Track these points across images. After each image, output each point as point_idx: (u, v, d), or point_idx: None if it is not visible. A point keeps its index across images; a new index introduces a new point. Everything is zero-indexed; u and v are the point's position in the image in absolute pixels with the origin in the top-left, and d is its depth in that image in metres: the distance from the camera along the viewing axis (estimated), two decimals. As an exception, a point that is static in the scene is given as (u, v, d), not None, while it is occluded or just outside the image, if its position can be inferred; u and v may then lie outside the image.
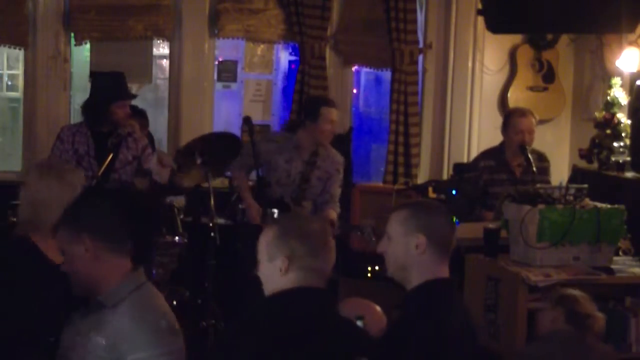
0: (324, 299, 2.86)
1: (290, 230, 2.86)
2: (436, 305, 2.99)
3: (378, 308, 3.53)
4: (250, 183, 5.62)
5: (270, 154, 5.43)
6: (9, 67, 9.80)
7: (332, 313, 2.86)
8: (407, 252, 3.04)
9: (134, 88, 6.52)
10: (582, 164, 7.02)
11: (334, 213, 5.39)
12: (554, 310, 3.89)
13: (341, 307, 3.67)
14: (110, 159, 5.22)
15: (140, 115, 6.38)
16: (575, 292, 3.89)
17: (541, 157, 5.66)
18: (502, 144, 5.72)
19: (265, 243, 2.86)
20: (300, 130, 5.56)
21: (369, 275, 6.12)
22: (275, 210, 5.24)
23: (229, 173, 5.79)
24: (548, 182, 5.52)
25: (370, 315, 3.41)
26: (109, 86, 5.45)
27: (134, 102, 5.83)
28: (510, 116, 5.73)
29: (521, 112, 5.74)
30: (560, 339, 3.83)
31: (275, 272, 2.82)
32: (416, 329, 2.91)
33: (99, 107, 5.36)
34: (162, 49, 8.31)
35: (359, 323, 3.02)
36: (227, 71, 7.89)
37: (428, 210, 3.12)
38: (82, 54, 7.71)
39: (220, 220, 5.55)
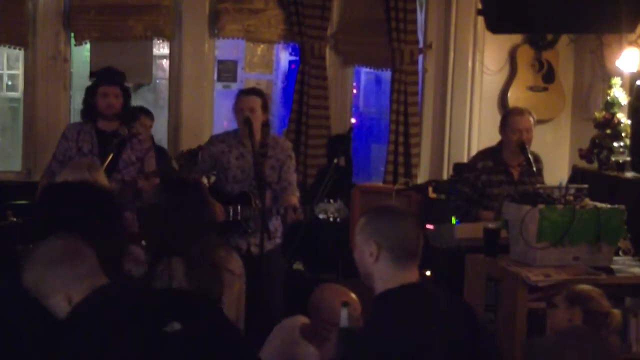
0: None
1: None
2: (396, 315, 2.85)
3: (353, 294, 3.54)
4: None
5: (221, 154, 5.45)
6: (9, 67, 9.81)
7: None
8: (365, 260, 2.94)
9: (132, 88, 6.53)
10: (582, 164, 7.03)
11: (294, 198, 5.38)
12: (569, 310, 3.88)
13: (322, 292, 3.68)
14: (111, 159, 5.23)
15: (144, 113, 6.38)
16: (589, 290, 3.89)
17: (536, 158, 5.66)
18: (499, 144, 5.71)
19: None
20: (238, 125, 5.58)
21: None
22: (238, 205, 5.25)
23: None
24: (542, 183, 5.51)
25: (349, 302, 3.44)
26: (97, 76, 5.51)
27: (134, 104, 5.82)
28: (507, 115, 5.71)
29: (519, 111, 5.72)
30: (578, 336, 3.82)
31: None
32: (375, 340, 2.79)
33: (86, 98, 5.41)
34: (162, 49, 8.32)
35: (345, 310, 2.96)
36: (227, 71, 7.90)
37: (382, 215, 2.99)
38: (82, 54, 7.71)
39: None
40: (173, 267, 3.67)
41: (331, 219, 5.14)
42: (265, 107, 5.45)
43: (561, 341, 3.84)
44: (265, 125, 5.53)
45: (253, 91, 5.61)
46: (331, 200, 5.16)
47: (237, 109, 5.41)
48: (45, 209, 3.14)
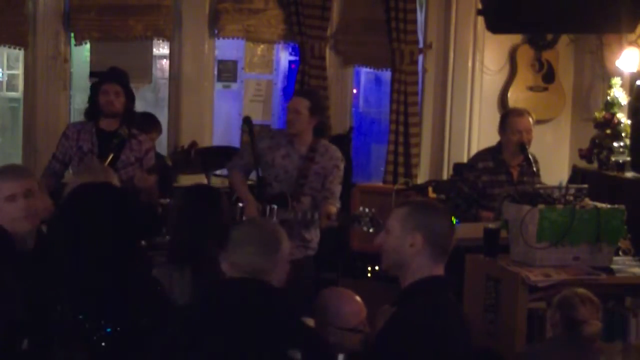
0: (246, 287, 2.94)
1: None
2: (431, 302, 2.99)
3: (358, 298, 3.56)
4: (250, 182, 5.58)
5: (268, 150, 5.34)
6: (9, 67, 9.81)
7: (259, 302, 2.91)
8: (403, 249, 3.03)
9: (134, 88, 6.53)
10: (582, 164, 7.02)
11: (333, 207, 5.23)
12: (554, 314, 3.93)
13: (327, 295, 3.71)
14: (111, 159, 5.23)
15: (155, 127, 6.38)
16: (576, 296, 3.89)
17: (534, 159, 5.66)
18: (499, 144, 5.72)
19: None
20: None
21: (369, 275, 6.13)
22: (275, 206, 5.15)
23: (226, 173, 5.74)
24: (541, 183, 5.53)
25: (350, 305, 3.47)
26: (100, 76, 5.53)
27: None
28: (507, 116, 5.72)
29: (518, 112, 5.74)
30: (556, 345, 3.86)
31: None
32: (413, 326, 2.92)
33: (89, 96, 5.42)
34: (162, 49, 8.32)
35: (341, 356, 3.11)
36: (227, 71, 7.90)
37: (429, 210, 3.10)
38: (82, 54, 7.71)
39: None
40: (185, 273, 3.69)
41: (365, 229, 5.11)
42: (315, 110, 5.32)
43: (544, 351, 3.87)
44: (321, 129, 5.44)
45: (302, 92, 5.55)
46: (366, 210, 5.11)
47: (287, 108, 5.38)
48: (75, 210, 3.13)
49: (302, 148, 5.32)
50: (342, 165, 5.43)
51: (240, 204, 5.28)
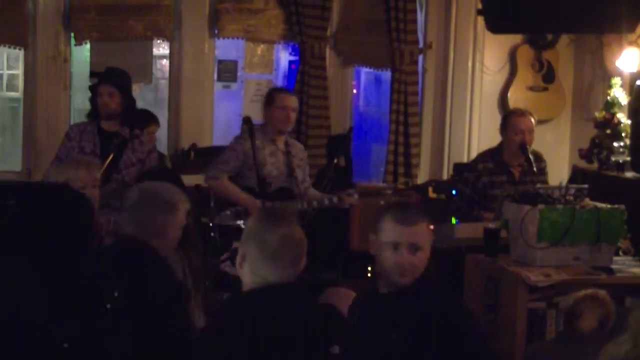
0: (287, 292, 2.85)
1: (255, 231, 2.86)
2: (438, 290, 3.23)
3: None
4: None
5: (258, 150, 5.44)
6: (9, 67, 9.81)
7: (299, 304, 2.85)
8: (425, 260, 3.22)
9: (136, 89, 6.53)
10: (582, 164, 7.03)
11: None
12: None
13: (323, 298, 3.73)
14: (111, 160, 5.22)
15: (152, 120, 6.37)
16: (585, 293, 3.89)
17: (538, 157, 5.67)
18: (500, 145, 5.72)
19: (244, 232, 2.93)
20: (264, 121, 5.60)
21: (369, 275, 6.13)
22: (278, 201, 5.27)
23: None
24: (545, 182, 5.53)
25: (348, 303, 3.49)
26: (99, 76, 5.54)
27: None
28: (509, 117, 5.73)
29: (520, 112, 5.75)
30: (556, 341, 3.88)
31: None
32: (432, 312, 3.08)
33: (91, 99, 5.43)
34: (162, 49, 8.31)
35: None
36: (227, 71, 7.89)
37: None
38: (82, 54, 7.70)
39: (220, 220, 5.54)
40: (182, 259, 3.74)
41: None
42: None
43: (555, 346, 3.88)
44: None
45: (292, 91, 5.92)
46: None
47: (279, 106, 5.48)
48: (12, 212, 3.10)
49: (281, 145, 5.55)
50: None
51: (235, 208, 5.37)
